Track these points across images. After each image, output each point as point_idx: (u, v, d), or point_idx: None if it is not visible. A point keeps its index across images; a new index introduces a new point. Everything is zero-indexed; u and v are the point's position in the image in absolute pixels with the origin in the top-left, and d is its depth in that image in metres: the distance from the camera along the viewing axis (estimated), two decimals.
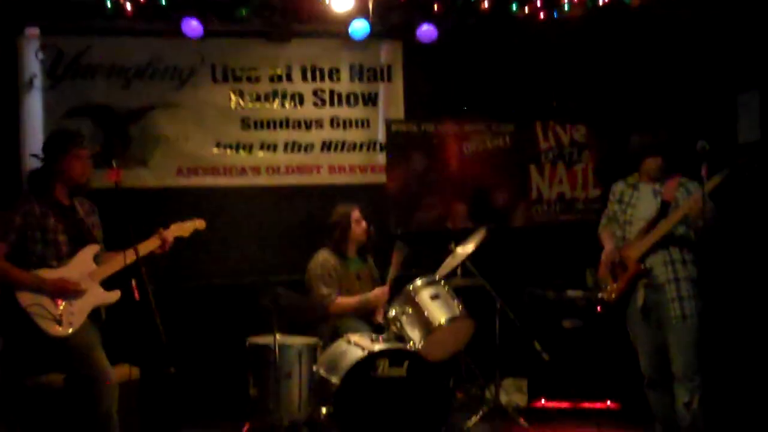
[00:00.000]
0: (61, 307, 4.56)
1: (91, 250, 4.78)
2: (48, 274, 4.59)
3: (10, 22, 6.43)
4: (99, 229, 4.94)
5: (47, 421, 4.87)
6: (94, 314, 4.73)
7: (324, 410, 5.23)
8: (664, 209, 5.07)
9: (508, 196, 7.38)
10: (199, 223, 5.27)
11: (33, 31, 6.53)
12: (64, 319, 4.54)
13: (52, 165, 4.75)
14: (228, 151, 6.93)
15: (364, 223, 6.24)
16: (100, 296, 4.76)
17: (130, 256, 4.62)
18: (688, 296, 4.99)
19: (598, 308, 5.28)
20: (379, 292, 6.04)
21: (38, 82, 6.58)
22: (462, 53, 7.23)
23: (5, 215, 4.61)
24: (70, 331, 4.56)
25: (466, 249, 5.95)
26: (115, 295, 4.78)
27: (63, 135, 4.90)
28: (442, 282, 5.77)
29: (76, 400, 4.58)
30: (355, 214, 6.22)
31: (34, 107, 6.57)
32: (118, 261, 4.69)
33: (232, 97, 6.95)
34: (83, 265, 4.72)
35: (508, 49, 7.27)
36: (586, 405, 6.37)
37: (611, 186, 5.44)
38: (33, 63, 6.57)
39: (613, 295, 5.16)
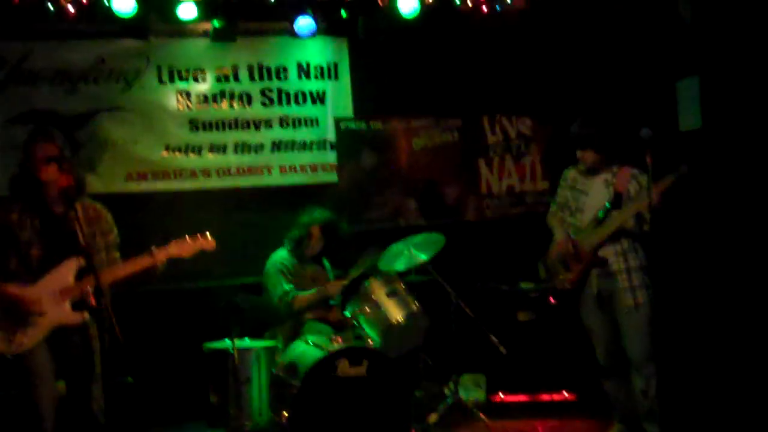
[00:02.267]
0: (14, 324, 4.27)
1: (71, 264, 4.37)
2: (13, 288, 4.29)
3: None
4: (108, 235, 4.56)
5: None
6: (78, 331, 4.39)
7: (286, 413, 5.19)
8: (617, 200, 5.12)
9: (459, 190, 7.43)
10: (207, 243, 4.69)
11: None
12: (16, 338, 4.26)
13: (25, 169, 4.41)
14: (177, 154, 6.81)
15: (322, 242, 6.25)
16: (63, 316, 4.36)
17: (103, 278, 4.15)
18: (640, 285, 5.09)
19: (551, 299, 5.35)
20: (336, 283, 6.02)
21: None
22: (408, 49, 7.22)
23: None
24: (18, 351, 4.27)
25: (421, 250, 5.92)
26: (77, 317, 4.37)
27: (28, 136, 4.56)
28: (398, 279, 5.79)
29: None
30: (315, 231, 6.23)
31: None
32: (91, 280, 4.17)
33: (179, 98, 6.84)
34: (56, 281, 4.35)
35: (454, 43, 7.32)
36: (544, 397, 6.44)
37: (563, 172, 5.46)
38: None
39: (567, 285, 5.22)
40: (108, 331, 3.92)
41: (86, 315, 4.34)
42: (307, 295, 6.03)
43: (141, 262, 4.45)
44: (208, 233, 4.71)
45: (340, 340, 5.52)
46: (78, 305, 4.36)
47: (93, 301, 4.15)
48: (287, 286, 6.00)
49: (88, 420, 4.35)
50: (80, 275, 4.37)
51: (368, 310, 5.63)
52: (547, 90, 7.39)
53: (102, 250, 4.50)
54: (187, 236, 4.64)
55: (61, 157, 4.35)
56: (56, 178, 4.33)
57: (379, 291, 5.67)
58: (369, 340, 5.53)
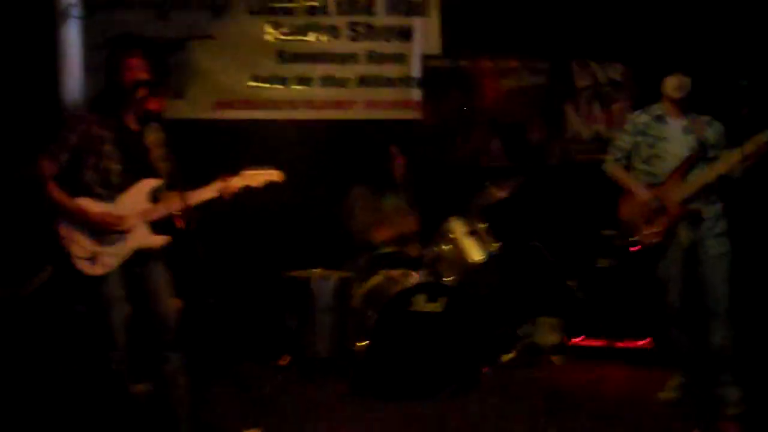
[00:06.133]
0: (98, 245, 4.17)
1: (148, 184, 4.27)
2: (92, 205, 4.15)
3: None
4: (168, 161, 4.36)
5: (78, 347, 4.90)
6: (153, 253, 4.31)
7: (361, 344, 5.24)
8: (702, 148, 4.93)
9: (544, 134, 7.29)
10: (276, 175, 4.56)
11: None
12: (98, 258, 4.16)
13: (112, 82, 4.26)
14: (264, 84, 6.84)
15: (401, 158, 6.20)
16: (144, 239, 4.25)
17: (178, 204, 4.17)
18: (724, 233, 4.93)
19: (633, 248, 5.15)
20: (412, 222, 5.97)
21: (75, 12, 6.50)
22: None
23: (60, 133, 4.20)
24: (101, 272, 4.16)
25: (500, 191, 5.84)
26: (158, 240, 4.28)
27: (114, 48, 4.43)
28: (478, 219, 5.73)
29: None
30: (395, 151, 6.19)
31: (71, 37, 6.50)
32: (169, 205, 4.24)
33: (269, 29, 6.85)
34: (134, 201, 4.24)
35: None
36: (620, 344, 6.32)
37: (629, 117, 5.24)
38: None
39: (654, 239, 5.00)
40: (191, 253, 3.93)
41: (166, 238, 4.30)
42: (384, 231, 6.02)
43: (214, 189, 4.37)
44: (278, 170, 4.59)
45: (417, 275, 5.51)
46: (155, 227, 4.30)
47: (179, 223, 4.19)
48: (364, 221, 6.00)
49: (163, 338, 4.31)
50: (155, 198, 4.32)
51: (447, 247, 5.60)
52: (639, 36, 7.10)
53: (171, 175, 4.35)
54: (255, 168, 4.55)
55: (151, 80, 4.26)
56: (144, 97, 4.26)
57: (459, 229, 5.64)
58: (447, 278, 5.50)
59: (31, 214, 4.73)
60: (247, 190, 4.47)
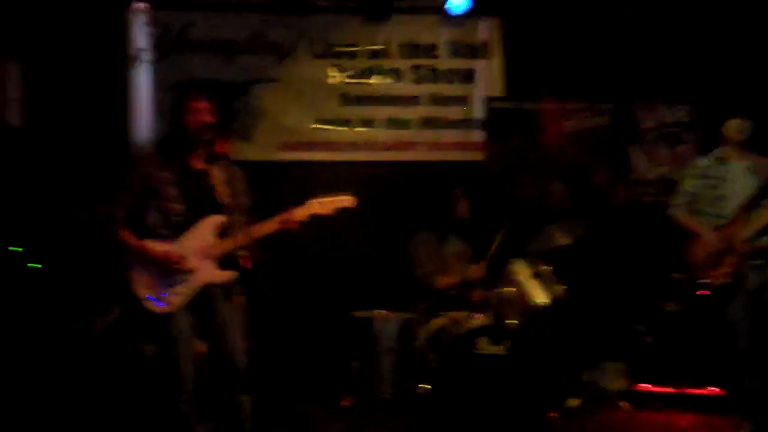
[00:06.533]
0: (164, 284, 4.25)
1: (213, 221, 4.33)
2: (157, 245, 4.26)
3: None
4: (243, 197, 4.45)
5: (145, 386, 4.97)
6: (222, 290, 4.36)
7: (424, 386, 5.22)
8: (765, 188, 4.93)
9: (608, 176, 7.23)
10: (347, 200, 4.58)
11: (140, 5, 6.61)
12: (165, 297, 4.24)
13: (179, 125, 4.40)
14: (327, 126, 6.94)
15: (465, 203, 6.20)
16: (210, 275, 4.31)
17: (243, 238, 4.25)
18: None
19: (702, 291, 5.12)
20: (479, 268, 5.92)
21: (146, 56, 6.66)
22: (561, 29, 7.07)
23: (124, 177, 4.36)
24: (169, 310, 4.24)
25: (565, 238, 5.80)
26: (225, 276, 4.34)
27: (181, 92, 4.65)
28: (542, 261, 5.70)
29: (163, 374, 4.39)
30: (458, 194, 6.19)
31: (141, 81, 6.64)
32: (234, 240, 4.29)
33: (332, 72, 6.96)
34: (199, 239, 4.31)
35: (608, 25, 7.08)
36: (690, 391, 6.15)
37: (692, 162, 5.31)
38: (140, 37, 6.65)
39: (722, 280, 4.98)
40: (257, 291, 3.99)
41: (232, 274, 4.34)
42: (449, 280, 5.98)
43: (281, 220, 4.40)
44: (349, 194, 4.65)
45: (481, 318, 5.49)
46: (222, 263, 4.34)
47: (245, 262, 4.23)
48: (428, 267, 5.99)
49: (232, 377, 4.32)
50: (221, 234, 4.35)
51: (511, 290, 5.57)
52: (705, 78, 7.02)
53: (238, 211, 4.39)
54: (325, 194, 4.59)
55: (217, 123, 4.38)
56: (211, 140, 4.36)
57: (522, 272, 5.60)
58: (511, 321, 5.46)
59: (102, 254, 5.00)
60: (317, 219, 4.49)
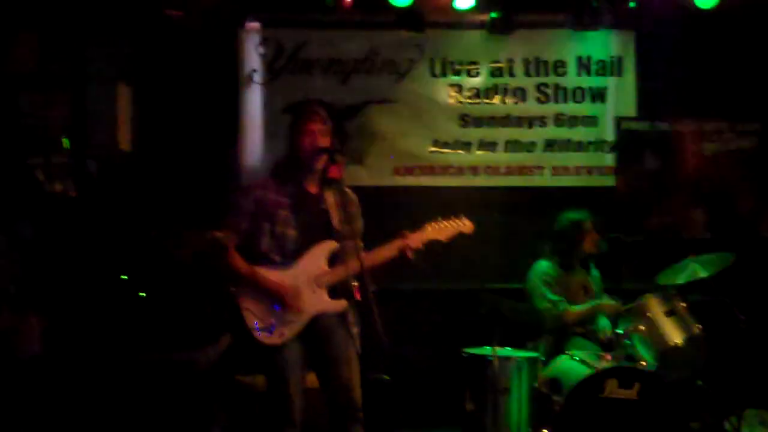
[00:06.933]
0: (275, 314, 4.32)
1: (326, 247, 4.41)
2: (269, 273, 4.34)
3: (231, 15, 6.67)
4: (357, 223, 4.51)
5: (253, 418, 5.08)
6: (339, 321, 4.42)
7: (546, 431, 5.20)
8: None
9: (754, 203, 7.09)
10: (465, 226, 4.65)
11: (253, 25, 6.80)
12: (276, 327, 4.30)
13: (292, 148, 4.49)
14: (445, 149, 7.00)
15: (595, 235, 6.14)
16: (321, 304, 4.38)
17: (357, 265, 4.22)
18: None
19: None
20: (614, 305, 5.88)
21: (258, 77, 6.85)
22: (700, 43, 6.99)
23: (237, 201, 4.46)
24: (278, 342, 4.30)
25: (704, 268, 5.71)
26: (338, 305, 4.41)
27: (294, 113, 4.69)
28: (678, 297, 5.62)
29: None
30: (588, 225, 6.12)
31: (254, 102, 6.84)
32: (348, 267, 4.34)
33: (451, 92, 7.03)
34: (311, 266, 4.38)
35: (754, 38, 6.98)
36: None
37: None
38: (253, 57, 6.84)
39: None
40: (369, 325, 4.00)
41: (345, 303, 4.40)
42: (579, 309, 5.94)
43: (395, 247, 4.45)
44: (464, 217, 4.68)
45: (609, 358, 5.44)
46: (334, 292, 4.41)
47: (358, 295, 4.31)
48: (555, 297, 5.96)
49: (344, 411, 4.37)
50: (332, 261, 4.42)
51: (643, 328, 5.50)
52: None
53: (353, 237, 4.40)
54: (441, 219, 4.62)
55: (331, 147, 4.45)
56: (324, 164, 4.43)
57: (656, 308, 5.54)
58: (642, 362, 5.40)
59: (211, 281, 5.16)
60: (432, 246, 4.52)
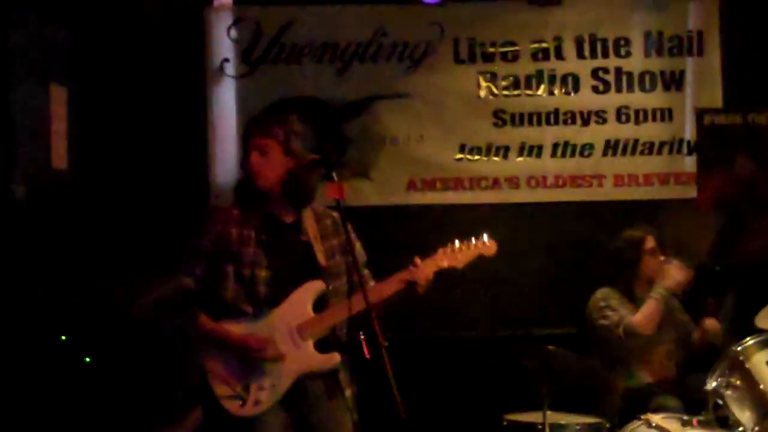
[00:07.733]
0: (247, 378, 4.17)
1: (310, 290, 4.25)
2: (234, 327, 4.21)
3: None
4: (348, 254, 4.25)
5: None
6: (329, 381, 4.30)
7: None
8: None
9: None
10: (487, 247, 4.44)
11: (224, 1, 6.71)
12: (250, 395, 4.16)
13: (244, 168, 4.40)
14: (476, 156, 6.82)
15: (660, 256, 5.95)
16: (307, 362, 4.22)
17: (356, 304, 4.07)
18: None
19: None
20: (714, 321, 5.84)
21: (230, 69, 6.70)
22: None
23: (193, 241, 4.33)
24: (254, 412, 4.15)
25: None
26: (329, 361, 4.24)
27: (273, 114, 4.69)
28: None
29: None
30: (649, 243, 6.00)
31: (226, 102, 6.71)
32: (338, 312, 4.21)
33: (482, 82, 6.82)
34: (291, 314, 4.23)
35: None
36: None
37: None
38: (224, 43, 6.70)
39: None
40: (384, 391, 3.65)
41: (338, 358, 4.24)
42: (647, 308, 5.77)
43: (396, 280, 4.29)
44: (485, 235, 4.45)
45: (695, 423, 5.08)
46: (323, 345, 4.26)
47: (366, 353, 3.92)
48: (622, 312, 5.84)
49: None
50: (320, 305, 4.28)
51: (739, 383, 5.14)
52: None
53: (343, 274, 4.36)
54: (457, 241, 4.40)
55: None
56: (261, 173, 4.27)
57: (757, 357, 5.17)
58: (739, 427, 5.04)
59: (177, 341, 4.96)
60: (447, 277, 4.34)
